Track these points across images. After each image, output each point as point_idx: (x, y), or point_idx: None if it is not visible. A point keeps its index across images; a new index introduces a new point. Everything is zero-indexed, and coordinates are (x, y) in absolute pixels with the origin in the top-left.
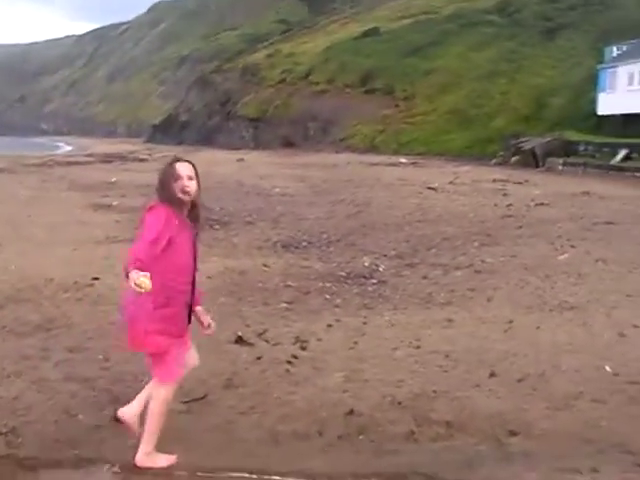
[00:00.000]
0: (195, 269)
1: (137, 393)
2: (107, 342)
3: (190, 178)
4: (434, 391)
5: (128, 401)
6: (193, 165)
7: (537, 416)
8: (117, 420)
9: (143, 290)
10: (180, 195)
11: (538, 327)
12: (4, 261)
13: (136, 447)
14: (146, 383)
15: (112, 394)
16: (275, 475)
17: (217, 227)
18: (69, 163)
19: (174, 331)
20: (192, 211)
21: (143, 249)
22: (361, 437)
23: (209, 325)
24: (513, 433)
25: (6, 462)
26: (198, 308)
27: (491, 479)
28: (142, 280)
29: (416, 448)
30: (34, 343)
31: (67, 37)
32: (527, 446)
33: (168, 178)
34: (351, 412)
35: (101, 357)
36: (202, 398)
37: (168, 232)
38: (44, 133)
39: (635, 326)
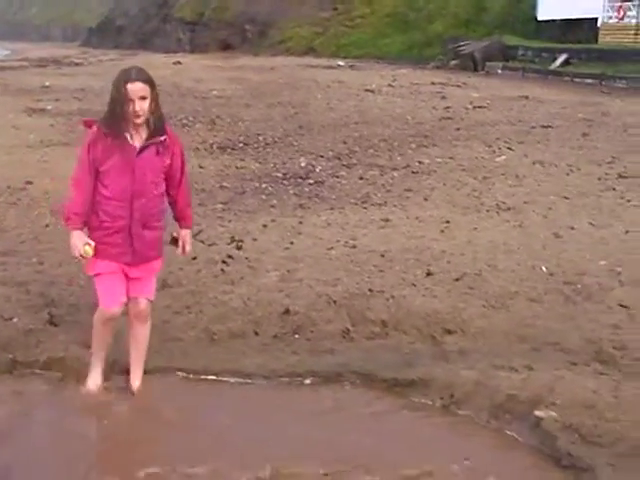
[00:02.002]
0: (143, 191)
1: (71, 296)
2: (41, 246)
3: (142, 98)
4: (370, 290)
5: (62, 304)
6: (147, 79)
7: (473, 315)
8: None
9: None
10: (132, 119)
11: (475, 228)
12: None
13: (67, 349)
14: (79, 286)
15: (47, 297)
16: (211, 375)
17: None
18: (1, 68)
19: (106, 255)
20: (153, 126)
21: (73, 197)
22: (297, 336)
23: (183, 250)
24: (449, 332)
25: None
26: (185, 231)
27: (427, 377)
28: (85, 251)
29: (352, 347)
30: None
31: None
32: (463, 344)
33: (120, 96)
34: (287, 311)
35: (35, 260)
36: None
37: (94, 163)
38: None
39: (571, 227)
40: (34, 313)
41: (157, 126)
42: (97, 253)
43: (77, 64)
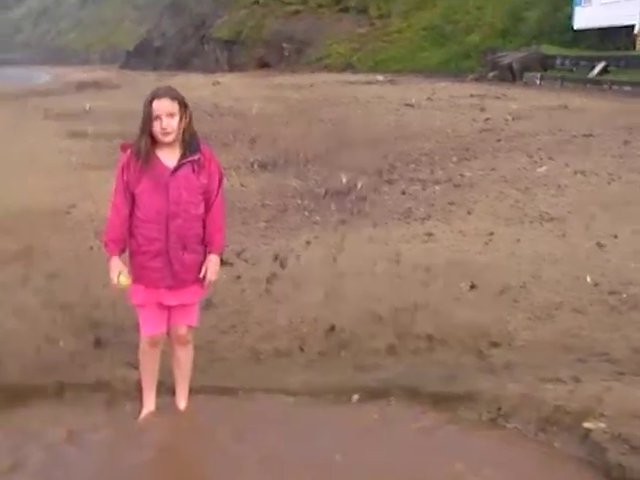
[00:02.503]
0: (178, 212)
1: (116, 317)
2: (85, 268)
3: (170, 115)
4: (415, 305)
5: (107, 326)
6: (174, 96)
7: (518, 327)
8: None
9: (121, 286)
10: (160, 137)
11: (518, 239)
12: None
13: (113, 371)
14: (124, 308)
15: (92, 319)
16: (257, 393)
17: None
18: (43, 92)
19: (147, 281)
20: (186, 143)
21: (109, 222)
22: (342, 353)
23: (203, 276)
24: (495, 344)
25: None
26: (210, 256)
27: (474, 391)
28: (119, 281)
29: (397, 362)
30: (13, 271)
31: None
32: (509, 357)
33: (148, 115)
34: (332, 328)
35: (80, 283)
36: None
37: (128, 186)
38: (16, 64)
39: (614, 236)
40: (80, 335)
41: (191, 144)
42: (138, 279)
43: (116, 86)
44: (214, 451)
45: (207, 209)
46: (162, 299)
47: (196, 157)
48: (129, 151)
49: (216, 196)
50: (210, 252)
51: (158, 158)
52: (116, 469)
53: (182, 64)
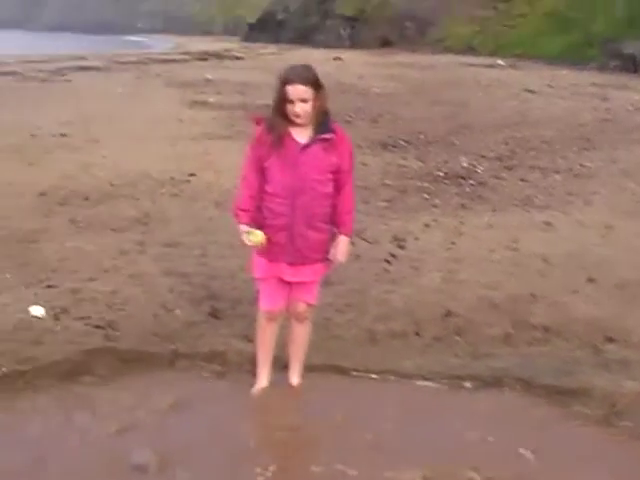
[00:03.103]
0: (305, 188)
1: (233, 289)
2: (204, 238)
3: (303, 101)
4: (532, 294)
5: (224, 297)
6: (309, 81)
7: (636, 324)
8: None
9: (258, 245)
10: (292, 118)
11: (637, 233)
12: (101, 157)
13: (228, 342)
14: (242, 280)
15: (209, 290)
16: (371, 374)
17: None
18: (165, 61)
19: (268, 254)
20: (318, 122)
21: (240, 193)
22: (457, 339)
23: (333, 257)
24: (611, 340)
25: (104, 355)
26: (340, 237)
27: (588, 386)
28: (250, 239)
29: (512, 351)
30: (131, 238)
31: None
32: (625, 353)
33: (281, 96)
34: (448, 313)
35: (198, 253)
36: None
37: (259, 159)
38: (140, 32)
39: None
40: (196, 305)
41: (323, 123)
42: (260, 252)
43: (238, 58)
44: (325, 431)
45: (338, 189)
46: (282, 274)
47: (328, 136)
48: (262, 125)
49: (346, 177)
50: (342, 233)
51: (290, 134)
52: (219, 441)
53: (303, 38)
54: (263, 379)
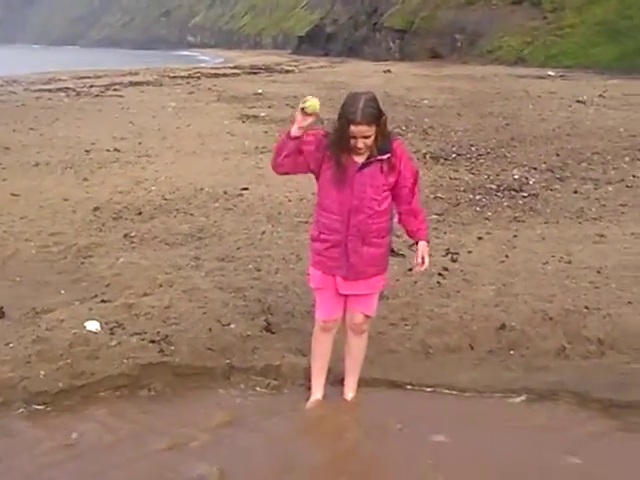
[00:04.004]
0: (361, 207)
1: (287, 303)
2: (257, 252)
3: (365, 138)
4: (586, 307)
5: (279, 311)
6: (372, 120)
7: None
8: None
9: (311, 109)
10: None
11: None
12: (154, 172)
13: (283, 356)
14: (295, 294)
15: (263, 304)
16: (426, 387)
17: None
18: (216, 75)
19: (323, 267)
20: (378, 145)
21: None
22: (512, 352)
23: (420, 262)
24: None
25: (160, 370)
26: (419, 244)
27: None
28: (307, 107)
29: (567, 365)
30: (185, 253)
31: None
32: None
33: (344, 132)
34: (502, 326)
35: (252, 267)
36: None
37: (306, 152)
38: (190, 46)
39: None
40: (251, 319)
41: (382, 144)
42: (315, 264)
43: (288, 71)
44: (382, 446)
45: (405, 203)
46: (338, 287)
47: (385, 157)
48: (324, 134)
49: (411, 191)
50: (419, 239)
51: (348, 155)
52: (275, 456)
53: (352, 51)
54: (317, 391)
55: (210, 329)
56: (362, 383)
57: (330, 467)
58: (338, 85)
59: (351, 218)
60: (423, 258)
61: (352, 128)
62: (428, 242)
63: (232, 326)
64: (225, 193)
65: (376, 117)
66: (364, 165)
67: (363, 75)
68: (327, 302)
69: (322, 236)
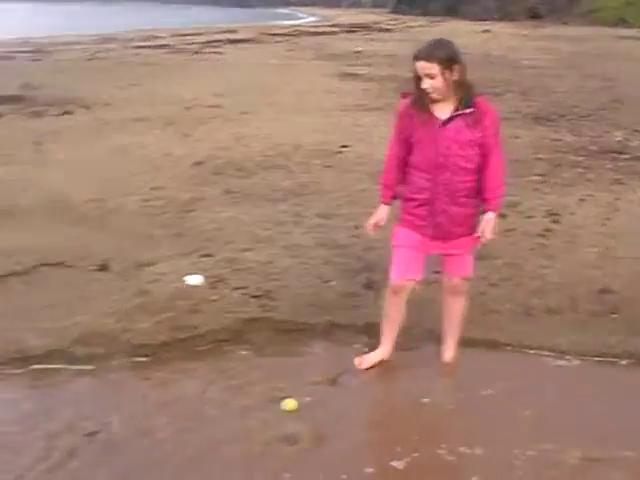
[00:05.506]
0: (447, 164)
1: (388, 261)
2: (357, 209)
3: (429, 77)
4: None
5: (379, 269)
6: (432, 57)
7: None
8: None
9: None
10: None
11: None
12: (254, 128)
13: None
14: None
15: (364, 261)
16: (527, 349)
17: None
18: (314, 33)
19: (410, 225)
20: (459, 97)
21: (384, 169)
22: (614, 316)
23: (481, 234)
24: None
25: (261, 325)
26: (486, 215)
27: None
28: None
29: None
30: (286, 209)
31: None
32: None
33: (414, 75)
34: (604, 290)
35: (352, 224)
36: None
37: (403, 133)
38: (289, 4)
39: None
40: (352, 277)
41: (464, 98)
42: (403, 222)
43: (386, 30)
44: (481, 407)
45: (483, 164)
46: (425, 247)
47: (468, 111)
48: (406, 100)
49: (492, 150)
50: (486, 209)
51: (432, 110)
52: (371, 414)
53: (451, 10)
54: (382, 351)
55: (311, 286)
56: (463, 344)
57: (425, 427)
58: None
59: (438, 176)
60: (483, 232)
61: (415, 64)
62: (497, 213)
63: (333, 283)
64: (325, 150)
65: (439, 57)
66: (447, 121)
67: (460, 34)
68: (403, 262)
69: (411, 195)
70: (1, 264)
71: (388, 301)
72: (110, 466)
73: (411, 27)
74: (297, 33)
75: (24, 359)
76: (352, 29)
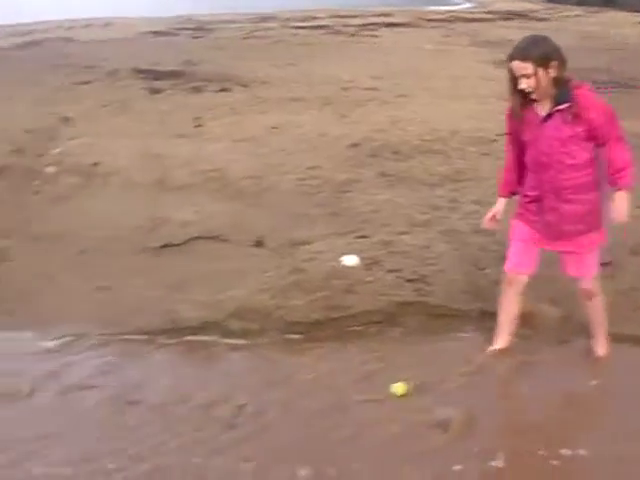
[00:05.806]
0: (550, 162)
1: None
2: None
3: (525, 77)
4: None
5: None
6: (526, 57)
7: None
8: None
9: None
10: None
11: None
12: (411, 112)
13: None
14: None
15: None
16: None
17: (616, 90)
18: (470, 19)
19: (525, 219)
20: (555, 94)
21: (503, 167)
22: None
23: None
24: None
25: (415, 309)
26: (615, 194)
27: None
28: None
29: None
30: (443, 194)
31: None
32: None
33: (510, 76)
34: None
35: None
36: (608, 264)
37: (512, 132)
38: None
39: None
40: (502, 265)
41: (560, 94)
42: (518, 215)
43: (542, 19)
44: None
45: (605, 154)
46: (539, 242)
47: (563, 107)
48: (510, 104)
49: (608, 141)
50: (617, 189)
51: (533, 109)
52: (520, 406)
53: (608, 1)
54: (498, 341)
55: (466, 272)
56: (617, 339)
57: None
58: (588, 34)
59: (542, 175)
60: (613, 214)
61: (510, 65)
62: (627, 191)
63: (487, 271)
64: (481, 137)
65: (533, 56)
66: (545, 119)
67: (615, 25)
68: (516, 254)
69: (525, 192)
70: (158, 235)
71: (503, 292)
72: (267, 441)
73: (567, 17)
74: (453, 19)
75: (178, 330)
76: (508, 16)
